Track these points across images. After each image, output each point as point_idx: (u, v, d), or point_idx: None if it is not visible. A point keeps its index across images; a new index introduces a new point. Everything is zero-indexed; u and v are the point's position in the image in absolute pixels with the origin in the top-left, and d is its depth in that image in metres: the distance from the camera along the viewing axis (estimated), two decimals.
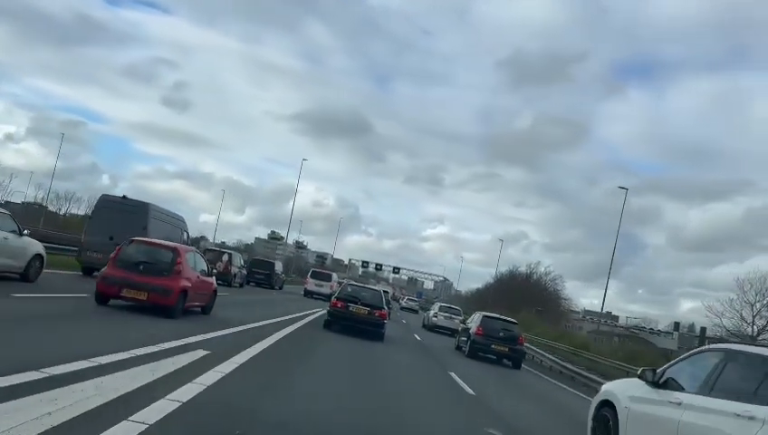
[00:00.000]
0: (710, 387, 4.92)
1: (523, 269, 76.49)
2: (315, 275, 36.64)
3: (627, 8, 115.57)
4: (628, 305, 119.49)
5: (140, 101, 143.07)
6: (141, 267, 9.86)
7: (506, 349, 16.68)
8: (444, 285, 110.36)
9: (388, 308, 20.61)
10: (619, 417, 5.87)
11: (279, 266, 37.85)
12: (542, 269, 72.67)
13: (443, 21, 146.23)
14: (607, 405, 6.20)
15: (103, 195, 17.32)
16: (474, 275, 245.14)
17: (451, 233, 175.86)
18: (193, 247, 13.58)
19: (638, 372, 5.88)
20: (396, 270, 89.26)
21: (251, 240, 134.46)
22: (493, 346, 16.46)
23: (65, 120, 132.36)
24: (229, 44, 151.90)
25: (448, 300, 65.17)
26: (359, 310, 15.16)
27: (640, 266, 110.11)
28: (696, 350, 6.07)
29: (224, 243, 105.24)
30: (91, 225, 16.60)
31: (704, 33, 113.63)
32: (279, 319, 14.55)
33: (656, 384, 5.64)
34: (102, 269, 10.24)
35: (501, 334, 16.62)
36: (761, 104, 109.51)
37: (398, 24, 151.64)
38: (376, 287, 20.32)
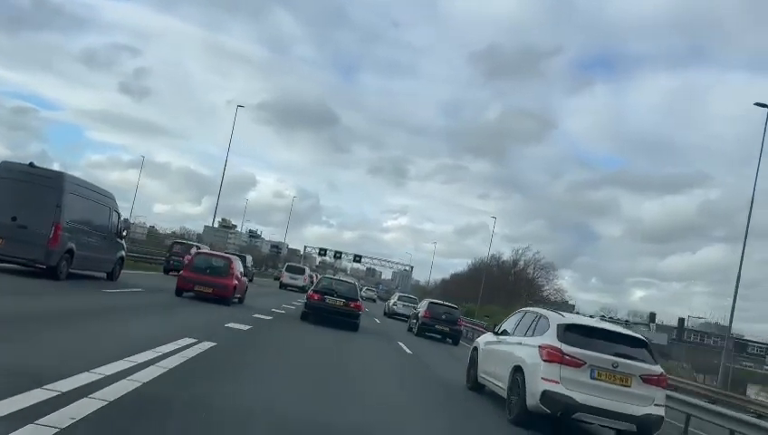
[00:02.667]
0: (514, 330, 9.85)
1: (506, 257, 70.32)
2: (290, 269, 43.53)
3: (594, 5, 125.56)
4: (581, 294, 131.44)
5: (96, 89, 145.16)
6: (207, 271, 16.46)
7: (447, 329, 23.56)
8: (402, 274, 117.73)
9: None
10: (479, 354, 10.92)
11: (250, 260, 44.06)
12: (531, 255, 66.65)
13: (412, 12, 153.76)
14: (475, 349, 11.35)
15: (4, 162, 14.47)
16: (435, 265, 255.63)
17: (413, 224, 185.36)
18: (237, 256, 20.00)
19: (484, 326, 13.02)
20: (357, 258, 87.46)
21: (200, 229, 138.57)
22: (437, 326, 23.30)
23: (15, 107, 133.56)
24: (190, 31, 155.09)
25: (410, 291, 67.42)
26: (335, 302, 17.21)
27: (595, 256, 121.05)
28: (514, 312, 11.17)
29: (174, 233, 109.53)
30: None
31: (665, 31, 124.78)
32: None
33: (496, 333, 10.54)
34: (180, 272, 16.80)
35: (444, 317, 23.58)
36: (717, 101, 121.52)
37: (367, 15, 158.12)
38: (351, 280, 22.26)
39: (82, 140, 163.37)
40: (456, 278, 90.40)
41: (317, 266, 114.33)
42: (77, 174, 14.88)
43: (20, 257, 13.44)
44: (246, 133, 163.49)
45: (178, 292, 16.41)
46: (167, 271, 28.30)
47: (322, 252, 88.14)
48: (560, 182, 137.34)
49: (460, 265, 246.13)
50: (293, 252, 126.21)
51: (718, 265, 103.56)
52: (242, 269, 18.29)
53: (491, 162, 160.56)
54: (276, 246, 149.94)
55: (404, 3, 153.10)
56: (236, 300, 17.65)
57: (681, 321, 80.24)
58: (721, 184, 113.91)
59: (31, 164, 14.02)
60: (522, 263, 66.68)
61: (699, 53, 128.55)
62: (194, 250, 28.43)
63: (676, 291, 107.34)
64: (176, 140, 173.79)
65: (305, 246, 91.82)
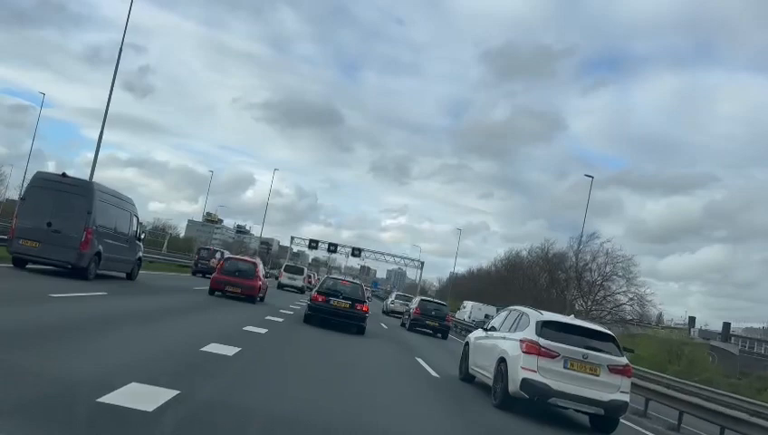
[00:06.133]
0: (500, 326, 11.55)
1: (559, 248, 52.30)
2: (288, 270, 45.82)
3: (600, 5, 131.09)
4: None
5: (94, 86, 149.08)
6: (237, 273, 21.14)
7: (437, 324, 27.76)
8: (397, 273, 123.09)
9: None
10: (470, 347, 12.69)
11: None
12: (597, 245, 46.55)
13: (416, 10, 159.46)
14: (466, 344, 13.13)
15: (38, 172, 16.67)
16: (433, 266, 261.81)
17: (412, 223, 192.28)
18: (260, 260, 24.93)
19: (475, 324, 18.05)
20: (356, 252, 79.57)
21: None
22: (427, 322, 27.57)
23: (12, 105, 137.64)
24: (191, 29, 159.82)
25: (418, 293, 64.38)
26: (340, 304, 17.53)
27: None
28: (503, 310, 13.52)
29: (157, 228, 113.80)
30: (23, 208, 15.96)
31: (671, 31, 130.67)
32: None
33: (486, 329, 12.36)
34: (213, 274, 21.77)
35: (433, 313, 27.90)
36: (723, 101, 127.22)
37: (370, 12, 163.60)
38: (357, 281, 22.58)
39: (78, 137, 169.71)
40: (470, 278, 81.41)
41: (309, 264, 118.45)
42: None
43: (54, 259, 15.40)
44: (244, 131, 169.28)
45: (211, 291, 20.59)
46: (194, 273, 33.90)
47: (313, 244, 79.33)
48: (563, 182, 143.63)
49: (459, 264, 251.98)
50: (285, 249, 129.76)
51: (717, 266, 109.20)
52: (264, 271, 23.27)
53: (494, 162, 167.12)
54: (266, 243, 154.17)
55: (407, 0, 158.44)
56: (259, 299, 21.80)
57: (726, 326, 74.01)
58: (723, 184, 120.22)
59: (63, 174, 16.18)
60: (587, 255, 47.46)
61: (705, 53, 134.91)
62: (218, 255, 34.17)
63: (673, 291, 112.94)
64: (175, 139, 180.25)
65: (292, 237, 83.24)
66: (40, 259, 15.69)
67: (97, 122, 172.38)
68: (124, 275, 19.27)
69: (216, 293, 20.82)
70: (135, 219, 19.39)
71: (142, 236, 20.99)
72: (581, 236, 46.56)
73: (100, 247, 16.21)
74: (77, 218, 15.37)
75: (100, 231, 16.17)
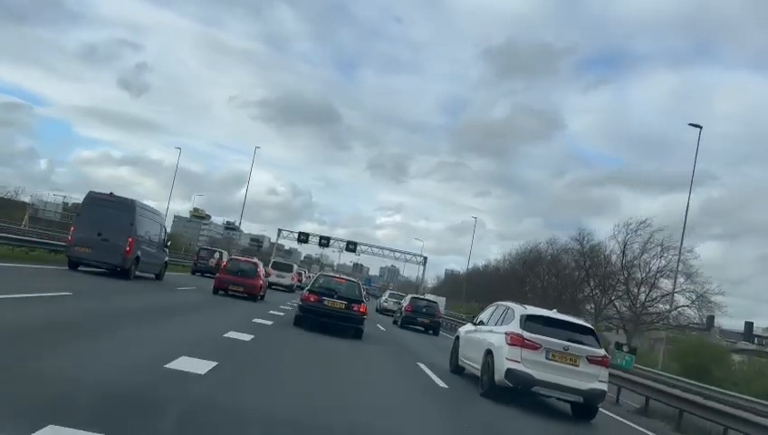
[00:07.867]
0: (488, 320, 12.60)
1: (598, 239, 44.50)
2: (277, 267, 43.61)
3: (599, 3, 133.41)
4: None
5: (87, 84, 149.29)
6: (239, 273, 23.14)
7: (428, 321, 29.80)
8: (390, 270, 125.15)
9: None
10: (460, 341, 13.79)
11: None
12: (647, 235, 39.10)
13: (414, 8, 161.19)
14: (457, 338, 14.24)
15: (90, 192, 20.14)
16: (430, 262, 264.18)
17: (407, 221, 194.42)
18: (260, 261, 26.88)
19: (464, 317, 20.15)
20: (351, 246, 74.97)
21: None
22: (418, 319, 29.48)
23: (4, 103, 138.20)
24: (187, 26, 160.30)
25: (422, 291, 64.24)
26: (334, 304, 16.33)
27: None
28: (490, 305, 13.97)
29: None
30: (79, 221, 19.79)
31: (671, 29, 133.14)
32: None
33: (475, 324, 13.32)
34: (217, 274, 23.74)
35: (424, 310, 29.98)
36: (721, 99, 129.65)
37: (369, 10, 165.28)
38: (353, 279, 21.41)
39: (73, 136, 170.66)
40: (474, 275, 75.22)
41: (301, 262, 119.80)
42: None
43: (103, 262, 19.21)
44: (240, 129, 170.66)
45: (215, 290, 22.54)
46: (194, 272, 36.01)
47: (303, 238, 74.66)
48: (560, 180, 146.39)
49: (453, 261, 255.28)
50: (274, 246, 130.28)
51: (712, 263, 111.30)
52: (263, 272, 25.25)
53: (492, 160, 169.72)
54: (256, 240, 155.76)
55: None
56: (260, 297, 23.69)
57: (749, 325, 68.99)
58: (721, 182, 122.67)
59: (111, 193, 20.06)
60: (635, 247, 39.94)
61: (704, 51, 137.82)
62: (217, 255, 36.66)
63: (668, 288, 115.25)
64: (170, 137, 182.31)
65: (280, 230, 78.01)
66: (92, 262, 19.34)
67: (94, 121, 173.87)
68: (153, 275, 22.79)
69: (220, 292, 22.66)
70: (163, 229, 23.41)
71: (168, 244, 24.77)
72: (687, 207, 34.46)
73: (139, 253, 20.00)
74: (122, 229, 19.02)
75: (139, 240, 19.91)
